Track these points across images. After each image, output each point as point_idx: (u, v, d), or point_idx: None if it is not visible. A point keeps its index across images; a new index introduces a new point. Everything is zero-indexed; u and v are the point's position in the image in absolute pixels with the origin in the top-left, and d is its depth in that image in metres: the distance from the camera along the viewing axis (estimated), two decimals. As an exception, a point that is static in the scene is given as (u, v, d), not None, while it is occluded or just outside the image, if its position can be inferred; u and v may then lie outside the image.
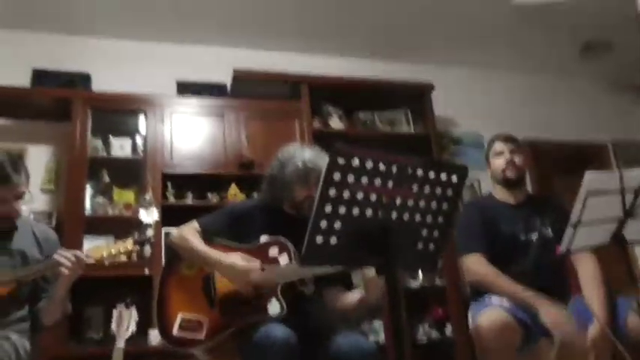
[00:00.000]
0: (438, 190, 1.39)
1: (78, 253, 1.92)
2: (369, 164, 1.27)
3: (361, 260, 1.48)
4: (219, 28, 4.16)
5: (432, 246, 1.43)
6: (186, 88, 3.89)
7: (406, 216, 1.36)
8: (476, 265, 2.31)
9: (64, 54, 3.89)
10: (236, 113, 3.80)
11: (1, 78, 3.49)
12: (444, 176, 1.38)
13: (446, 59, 4.78)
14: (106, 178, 3.56)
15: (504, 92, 5.01)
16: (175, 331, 1.96)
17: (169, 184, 3.54)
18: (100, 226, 3.39)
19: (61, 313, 2.04)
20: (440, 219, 1.41)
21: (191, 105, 3.76)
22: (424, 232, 1.41)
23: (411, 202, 1.35)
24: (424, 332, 3.86)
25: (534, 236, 2.38)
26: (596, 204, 1.73)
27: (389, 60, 4.65)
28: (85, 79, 3.71)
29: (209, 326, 1.95)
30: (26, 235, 2.06)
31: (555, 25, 4.32)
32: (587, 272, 2.27)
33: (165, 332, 1.99)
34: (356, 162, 1.26)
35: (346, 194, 1.26)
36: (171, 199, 3.52)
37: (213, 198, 3.64)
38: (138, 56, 4.10)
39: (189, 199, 3.60)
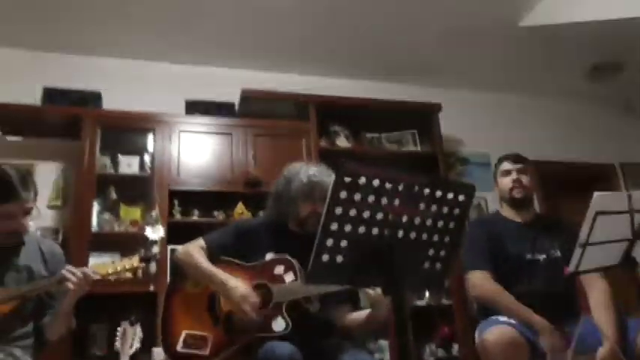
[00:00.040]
0: (445, 209, 1.38)
1: (85, 269, 1.93)
2: (376, 182, 1.27)
3: (367, 279, 1.47)
4: (228, 50, 4.21)
5: (438, 265, 1.42)
6: (194, 107, 3.92)
7: (413, 235, 1.35)
8: (480, 281, 2.30)
9: (76, 74, 3.93)
10: (244, 132, 3.82)
11: (12, 96, 3.53)
12: (450, 195, 1.38)
13: (454, 81, 4.80)
14: (113, 195, 3.57)
15: (512, 113, 5.02)
16: (180, 347, 1.96)
17: (176, 202, 3.55)
18: (106, 242, 3.39)
19: (65, 328, 2.04)
20: (447, 238, 1.41)
21: (199, 124, 3.79)
22: (431, 251, 1.40)
23: (417, 221, 1.35)
24: (431, 352, 3.83)
25: (541, 256, 2.37)
26: (604, 225, 1.72)
27: (396, 82, 4.68)
28: (95, 97, 3.75)
29: (213, 343, 1.94)
30: (33, 251, 2.06)
31: (563, 46, 4.33)
32: (597, 293, 2.25)
33: (169, 349, 1.98)
34: (362, 180, 1.25)
35: (352, 212, 1.26)
36: (178, 216, 3.53)
37: (219, 215, 3.65)
38: (148, 76, 4.15)
39: (196, 217, 3.60)
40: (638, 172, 5.07)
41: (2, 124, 3.62)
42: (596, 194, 1.73)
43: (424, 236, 1.37)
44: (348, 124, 4.25)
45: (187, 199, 3.59)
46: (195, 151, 3.68)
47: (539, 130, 4.93)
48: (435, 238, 1.39)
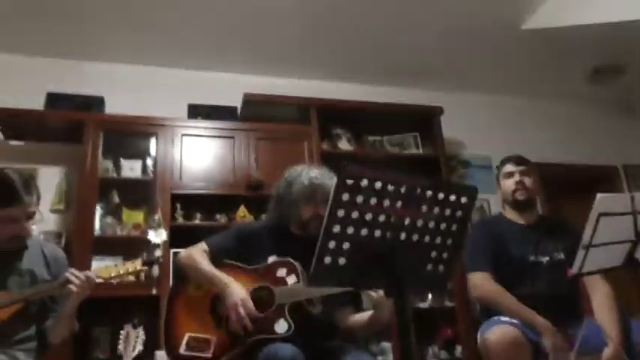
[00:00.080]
0: (448, 211, 1.38)
1: (88, 273, 1.94)
2: (378, 185, 1.27)
3: (370, 281, 1.47)
4: (230, 55, 4.22)
5: (441, 267, 1.42)
6: (196, 111, 3.93)
7: (415, 237, 1.35)
8: (481, 282, 2.30)
9: (79, 78, 3.95)
10: (246, 136, 3.82)
11: (16, 102, 3.55)
12: (453, 197, 1.38)
13: (455, 83, 4.80)
14: (116, 199, 3.58)
15: (513, 116, 5.02)
16: (182, 350, 1.95)
17: (178, 205, 3.55)
18: (108, 246, 3.39)
19: (68, 331, 2.05)
20: (449, 240, 1.40)
21: (201, 127, 3.79)
22: (433, 254, 1.40)
23: (420, 223, 1.35)
24: (433, 354, 3.82)
25: (545, 258, 2.36)
26: (607, 226, 1.72)
27: (397, 85, 4.68)
28: (98, 102, 3.76)
29: (216, 345, 1.93)
30: (36, 255, 2.07)
31: (565, 49, 4.33)
32: (600, 296, 2.25)
33: (172, 351, 1.98)
34: (365, 182, 1.25)
35: (355, 215, 1.26)
36: (180, 220, 3.53)
37: (221, 219, 3.65)
38: (151, 81, 4.16)
39: (198, 220, 3.61)
40: (641, 173, 5.07)
41: (5, 129, 3.65)
42: (599, 196, 1.72)
43: (426, 238, 1.37)
44: (350, 127, 4.25)
45: (190, 202, 3.59)
46: (198, 155, 3.68)
47: (541, 133, 4.93)
48: (438, 240, 1.39)
